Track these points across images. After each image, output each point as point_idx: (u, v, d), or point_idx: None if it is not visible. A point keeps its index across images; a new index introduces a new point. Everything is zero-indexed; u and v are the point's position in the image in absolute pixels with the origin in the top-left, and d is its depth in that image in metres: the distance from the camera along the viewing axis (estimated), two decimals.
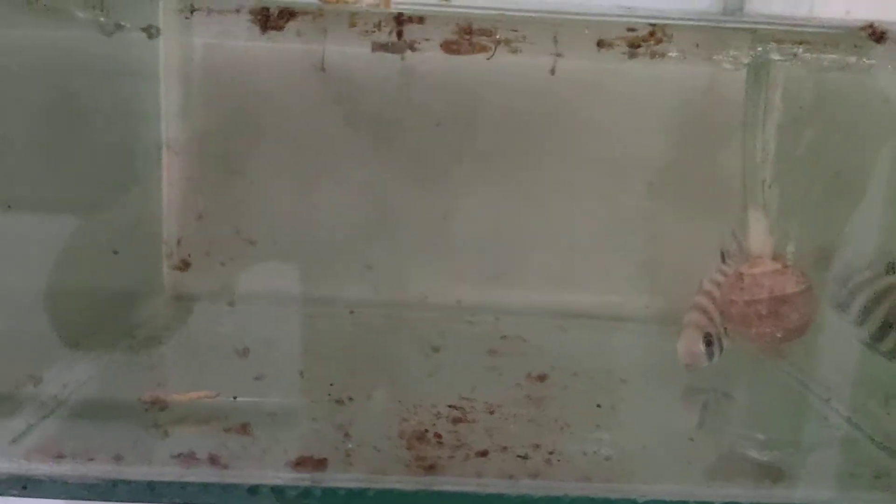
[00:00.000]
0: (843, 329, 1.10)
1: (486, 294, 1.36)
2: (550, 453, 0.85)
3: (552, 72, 1.14)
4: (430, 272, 1.36)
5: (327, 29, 1.09)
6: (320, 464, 0.77)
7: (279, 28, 0.89)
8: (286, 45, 1.24)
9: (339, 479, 0.76)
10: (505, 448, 0.85)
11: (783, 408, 1.07)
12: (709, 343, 1.02)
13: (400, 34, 0.79)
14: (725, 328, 1.04)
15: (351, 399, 0.95)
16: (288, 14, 0.78)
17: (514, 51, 1.01)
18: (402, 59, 1.21)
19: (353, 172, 1.33)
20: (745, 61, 0.94)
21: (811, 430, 1.00)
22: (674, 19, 0.81)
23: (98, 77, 1.12)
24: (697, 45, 0.90)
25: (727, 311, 1.07)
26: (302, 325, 1.25)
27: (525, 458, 0.83)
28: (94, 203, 1.12)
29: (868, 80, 1.07)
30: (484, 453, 0.83)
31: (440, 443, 0.84)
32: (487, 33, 0.80)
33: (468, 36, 0.79)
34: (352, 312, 1.31)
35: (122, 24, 1.06)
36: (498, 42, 0.92)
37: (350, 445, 0.83)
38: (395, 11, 0.73)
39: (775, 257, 1.04)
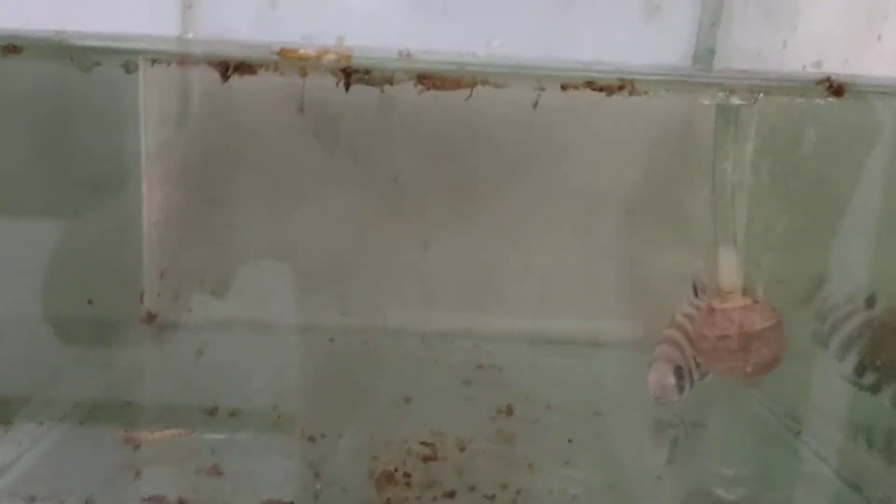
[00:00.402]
0: (816, 362, 1.11)
1: (463, 322, 1.37)
2: (518, 493, 0.86)
3: (535, 105, 1.16)
4: (408, 301, 1.37)
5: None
6: None
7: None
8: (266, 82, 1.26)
9: None
10: (473, 488, 0.86)
11: (753, 441, 1.08)
12: (679, 376, 1.03)
13: (347, 86, 0.80)
14: (697, 361, 1.05)
15: (323, 436, 0.96)
16: (246, 67, 0.79)
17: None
18: (381, 91, 1.22)
19: (332, 203, 1.34)
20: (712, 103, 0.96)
21: (780, 465, 1.01)
22: (641, 74, 0.83)
23: (78, 113, 1.13)
24: (667, 90, 0.91)
25: (699, 345, 1.08)
26: (280, 354, 1.26)
27: (492, 498, 0.84)
28: (73, 236, 1.14)
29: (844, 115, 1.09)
30: (451, 494, 0.84)
31: (408, 483, 0.85)
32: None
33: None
34: (331, 340, 1.32)
35: (100, 62, 1.07)
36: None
37: (319, 486, 0.84)
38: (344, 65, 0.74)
39: (745, 292, 1.05)
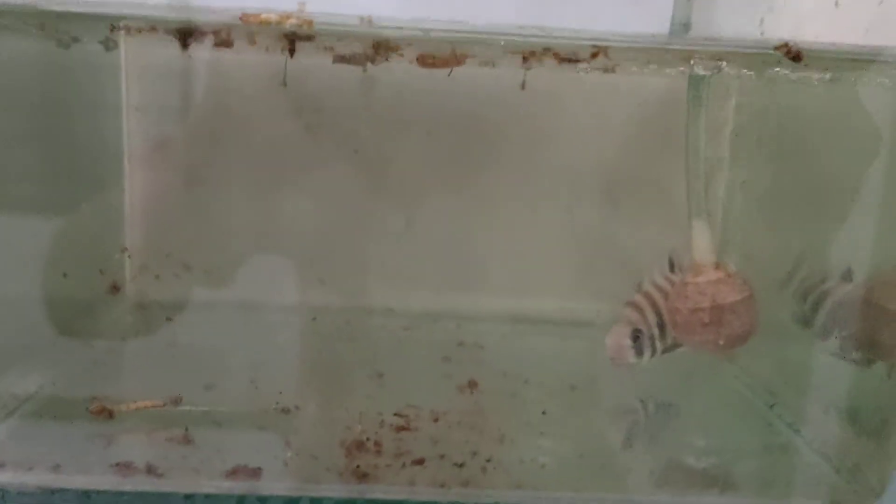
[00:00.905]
0: (791, 336, 1.12)
1: (446, 301, 1.38)
2: (487, 461, 0.87)
3: (522, 87, 1.16)
4: (391, 279, 1.38)
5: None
6: (255, 473, 0.79)
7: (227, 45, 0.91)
8: (247, 57, 1.26)
9: (273, 487, 0.78)
10: (442, 456, 0.87)
11: (726, 414, 1.09)
12: (636, 339, 0.99)
13: (292, 52, 0.80)
14: (663, 331, 1.02)
15: (297, 408, 0.97)
16: (200, 34, 0.79)
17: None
18: (364, 71, 1.22)
19: (315, 181, 1.34)
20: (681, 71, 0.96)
21: (752, 436, 1.02)
22: (614, 41, 0.83)
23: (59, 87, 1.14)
24: (633, 59, 0.92)
25: (672, 318, 1.09)
26: (261, 333, 1.27)
27: (461, 466, 0.85)
28: (54, 211, 1.14)
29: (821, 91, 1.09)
30: (420, 461, 0.85)
31: (379, 451, 0.86)
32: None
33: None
34: (314, 319, 1.33)
35: (79, 38, 1.08)
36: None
37: (289, 454, 0.84)
38: (288, 29, 0.74)
39: (718, 266, 1.06)
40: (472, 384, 1.06)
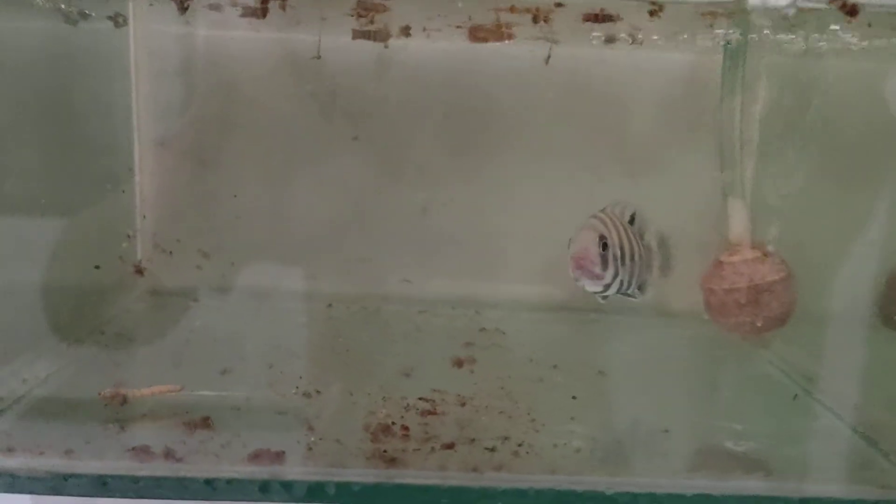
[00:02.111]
0: (828, 318, 1.08)
1: (467, 287, 1.34)
2: (519, 445, 0.83)
3: (547, 61, 1.13)
4: (409, 265, 1.34)
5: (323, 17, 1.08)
6: (277, 457, 0.75)
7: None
8: (267, 35, 1.23)
9: (296, 472, 0.74)
10: (473, 440, 0.83)
11: (765, 398, 1.04)
12: (605, 248, 0.87)
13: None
14: (625, 256, 0.90)
15: (319, 393, 0.93)
16: None
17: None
18: (386, 46, 1.17)
19: (330, 165, 1.30)
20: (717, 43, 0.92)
21: (792, 420, 0.97)
22: None
23: (66, 70, 1.10)
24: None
25: (706, 299, 1.05)
26: (277, 319, 1.23)
27: (493, 450, 0.81)
28: (64, 198, 1.11)
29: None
30: (451, 446, 0.81)
31: (406, 436, 0.82)
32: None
33: None
34: (329, 306, 1.29)
35: (87, 12, 1.04)
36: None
37: (312, 439, 0.81)
38: None
39: (755, 245, 1.02)
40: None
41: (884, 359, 0.98)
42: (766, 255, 1.00)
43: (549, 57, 1.11)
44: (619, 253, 0.88)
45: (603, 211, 0.93)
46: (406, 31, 1.10)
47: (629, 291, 0.92)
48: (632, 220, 0.95)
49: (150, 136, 1.28)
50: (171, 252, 1.28)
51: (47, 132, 1.08)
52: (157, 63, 1.25)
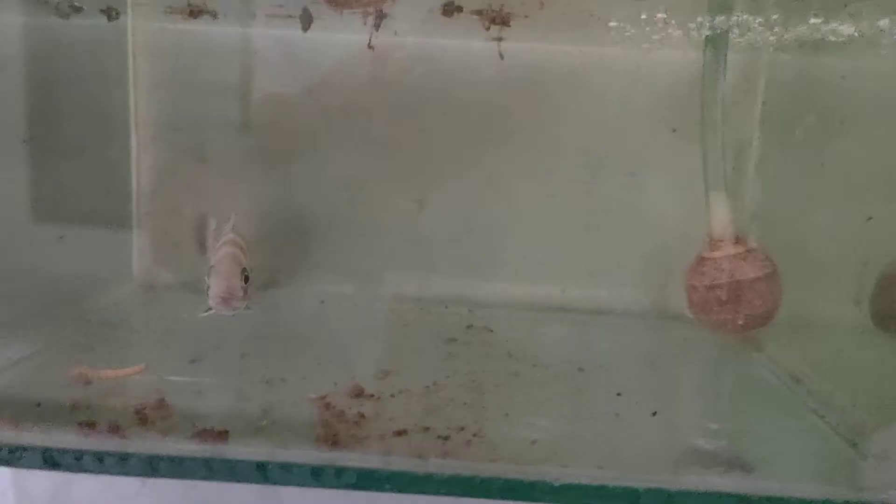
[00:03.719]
0: (816, 317, 1.04)
1: (458, 286, 1.32)
2: (474, 435, 0.81)
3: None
4: (402, 263, 1.33)
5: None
6: (221, 436, 0.74)
7: None
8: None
9: (239, 452, 0.73)
10: (427, 429, 0.81)
11: (749, 398, 1.01)
12: (247, 280, 0.93)
13: None
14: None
15: (283, 380, 0.93)
16: None
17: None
18: (369, 47, 1.16)
19: (327, 162, 1.31)
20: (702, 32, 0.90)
21: (771, 420, 0.94)
22: None
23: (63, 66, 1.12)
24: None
25: (688, 296, 1.02)
26: (265, 312, 1.23)
27: (446, 438, 0.80)
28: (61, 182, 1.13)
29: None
30: (402, 433, 0.80)
31: (358, 423, 0.81)
32: None
33: None
34: (322, 302, 1.29)
35: (78, 5, 1.07)
36: None
37: (263, 422, 0.80)
38: None
39: (737, 240, 0.99)
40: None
41: (873, 360, 0.94)
42: (748, 251, 0.98)
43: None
44: (249, 274, 0.94)
45: (234, 231, 1.00)
46: None
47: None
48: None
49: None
50: (164, 246, 1.30)
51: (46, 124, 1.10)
52: (156, 59, 1.27)
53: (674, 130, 1.26)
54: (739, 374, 1.09)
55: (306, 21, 0.89)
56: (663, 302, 1.29)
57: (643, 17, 1.07)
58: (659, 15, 1.01)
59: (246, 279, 0.92)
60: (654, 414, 0.89)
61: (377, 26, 0.92)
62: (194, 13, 0.95)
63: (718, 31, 0.92)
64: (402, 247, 1.33)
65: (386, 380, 0.95)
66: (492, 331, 1.20)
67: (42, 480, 1.09)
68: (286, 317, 1.24)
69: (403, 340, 1.15)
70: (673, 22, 1.04)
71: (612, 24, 1.09)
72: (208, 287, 0.92)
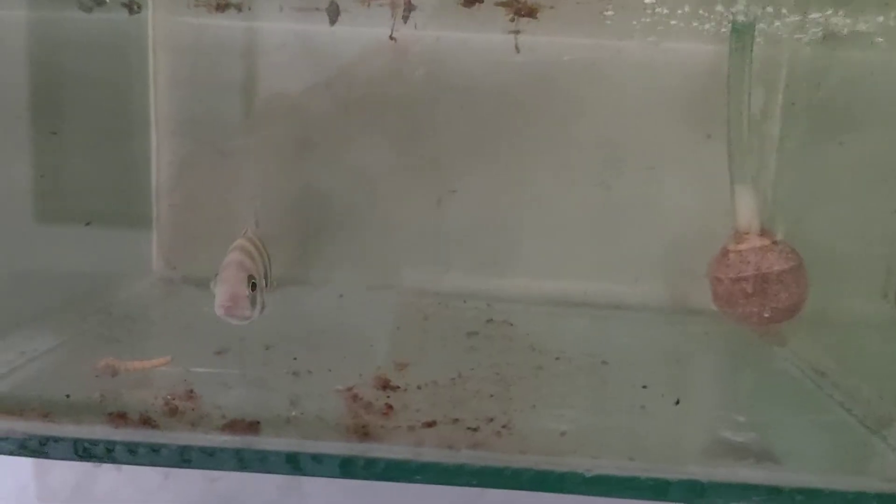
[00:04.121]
0: (840, 311, 1.03)
1: (476, 280, 1.32)
2: (503, 427, 0.81)
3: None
4: (423, 257, 1.33)
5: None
6: (252, 427, 0.74)
7: None
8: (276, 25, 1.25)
9: (270, 442, 0.73)
10: (456, 420, 0.81)
11: (773, 391, 1.00)
12: (254, 288, 0.86)
13: None
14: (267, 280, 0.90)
15: (310, 373, 0.92)
16: None
17: None
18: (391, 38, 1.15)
19: (345, 154, 1.30)
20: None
21: (798, 413, 0.93)
22: None
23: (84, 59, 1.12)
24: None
25: (713, 289, 1.02)
26: (285, 306, 1.23)
27: (475, 430, 0.79)
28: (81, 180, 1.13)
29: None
30: (432, 424, 0.79)
31: (386, 414, 0.81)
32: None
33: None
34: (341, 296, 1.28)
35: None
36: None
37: (293, 413, 0.80)
38: None
39: (763, 233, 0.98)
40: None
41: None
42: (774, 243, 0.97)
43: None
44: (263, 283, 0.88)
45: (245, 235, 0.93)
46: None
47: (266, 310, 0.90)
48: (257, 223, 0.97)
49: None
50: (184, 239, 1.30)
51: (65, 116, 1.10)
52: (177, 53, 1.27)
53: (693, 124, 1.26)
54: (763, 368, 1.08)
55: (333, 14, 0.88)
56: (682, 296, 1.29)
57: (664, 10, 1.08)
58: (680, 9, 1.01)
59: (253, 286, 0.85)
60: (678, 402, 0.89)
61: (405, 18, 0.91)
62: (220, 7, 0.95)
63: (745, 21, 0.91)
64: (421, 241, 1.32)
65: (410, 372, 0.95)
66: (512, 324, 1.19)
67: (64, 474, 1.09)
68: (306, 310, 1.24)
69: (424, 333, 1.15)
70: (697, 13, 1.04)
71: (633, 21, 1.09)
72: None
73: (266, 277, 0.91)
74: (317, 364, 0.95)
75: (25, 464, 1.09)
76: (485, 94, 1.28)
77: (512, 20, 0.97)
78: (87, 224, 1.08)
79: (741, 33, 0.94)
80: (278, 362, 0.95)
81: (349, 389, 0.84)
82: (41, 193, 1.08)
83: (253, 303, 0.85)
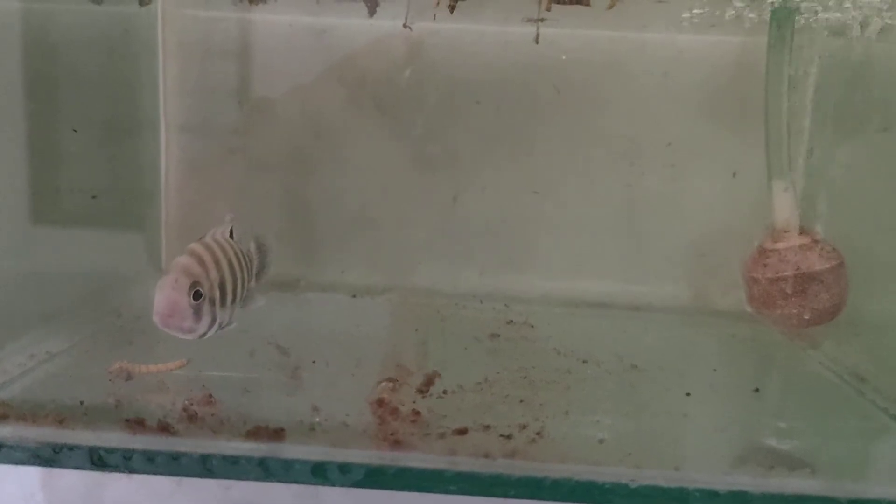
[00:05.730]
0: (877, 313, 1.00)
1: (496, 280, 1.28)
2: (537, 434, 0.77)
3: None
4: (438, 257, 1.29)
5: None
6: (277, 434, 0.70)
7: None
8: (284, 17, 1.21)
9: (295, 451, 0.69)
10: (487, 427, 0.77)
11: (814, 398, 0.97)
12: (198, 297, 0.76)
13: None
14: (226, 296, 0.80)
15: (329, 377, 0.89)
16: None
17: None
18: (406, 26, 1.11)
19: (360, 152, 1.27)
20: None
21: (842, 420, 0.89)
22: None
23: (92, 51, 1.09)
24: None
25: (748, 289, 0.98)
26: (299, 307, 1.19)
27: (508, 437, 0.76)
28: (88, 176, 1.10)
29: None
30: (463, 431, 0.76)
31: (415, 421, 0.77)
32: None
33: None
34: (353, 296, 1.25)
35: None
36: None
37: (317, 419, 0.76)
38: None
39: (802, 231, 0.95)
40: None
41: None
42: (815, 241, 0.93)
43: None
44: (217, 294, 0.78)
45: (202, 240, 0.83)
46: None
47: (229, 326, 0.82)
48: (231, 233, 0.87)
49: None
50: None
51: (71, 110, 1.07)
52: (186, 48, 1.23)
53: (715, 119, 1.23)
54: (797, 372, 1.05)
55: (372, 5, 0.85)
56: (706, 297, 1.26)
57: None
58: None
59: (197, 295, 0.75)
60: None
61: (452, 8, 0.87)
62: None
63: (784, 9, 0.88)
64: (436, 240, 1.29)
65: (434, 376, 0.91)
66: (533, 326, 1.15)
67: (73, 481, 1.04)
68: (318, 311, 1.21)
69: (444, 336, 1.11)
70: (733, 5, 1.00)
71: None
72: None
73: (236, 289, 0.81)
74: (336, 368, 0.92)
75: (32, 471, 1.04)
76: (503, 87, 1.25)
77: (548, 9, 0.93)
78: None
79: (780, 23, 0.90)
80: (295, 366, 0.91)
81: (375, 395, 0.80)
82: (49, 194, 1.05)
83: (198, 314, 0.76)
